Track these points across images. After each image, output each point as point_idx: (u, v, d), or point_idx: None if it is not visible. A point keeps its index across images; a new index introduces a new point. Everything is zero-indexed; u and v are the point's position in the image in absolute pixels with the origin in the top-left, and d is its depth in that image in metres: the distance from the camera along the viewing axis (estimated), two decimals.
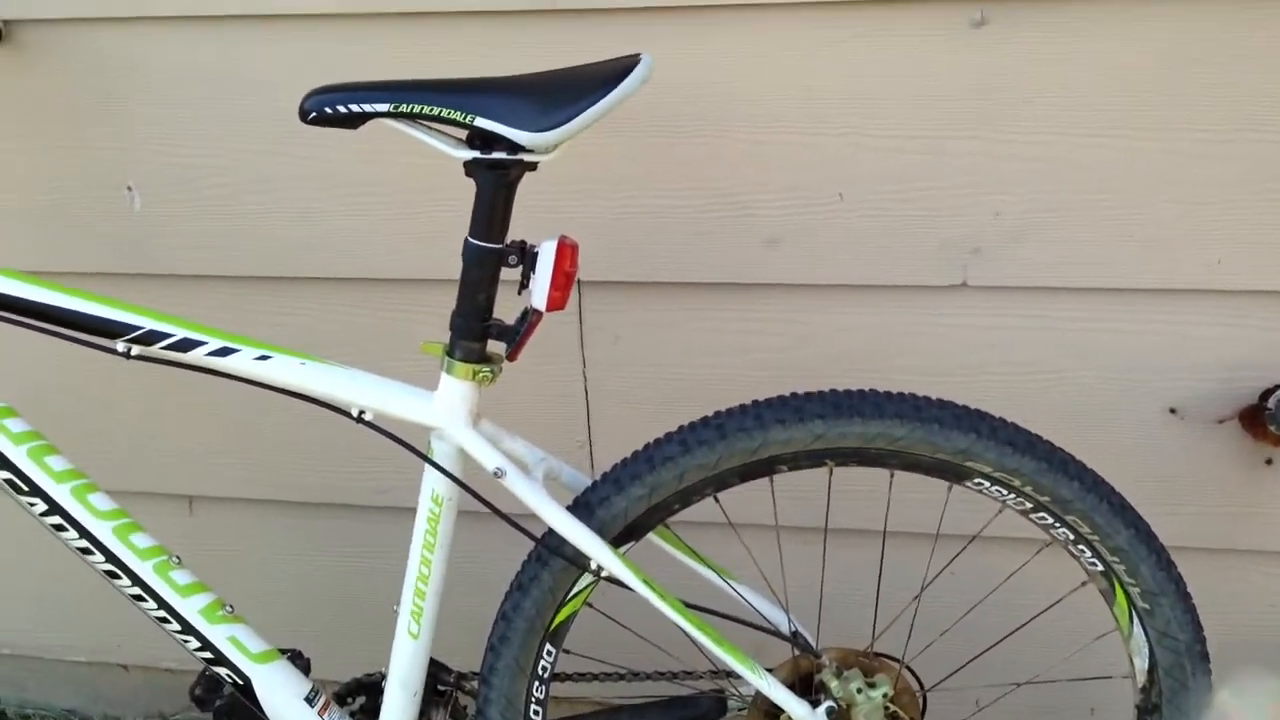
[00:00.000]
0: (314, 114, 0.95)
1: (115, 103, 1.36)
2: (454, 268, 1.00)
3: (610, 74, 0.93)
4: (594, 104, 0.92)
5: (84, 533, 1.05)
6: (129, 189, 1.39)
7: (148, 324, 1.01)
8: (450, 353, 1.02)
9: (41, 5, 1.32)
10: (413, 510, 1.07)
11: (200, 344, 1.01)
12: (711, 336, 1.35)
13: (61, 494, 1.05)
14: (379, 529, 1.54)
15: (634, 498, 1.04)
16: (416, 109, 0.94)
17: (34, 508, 1.05)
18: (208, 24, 1.31)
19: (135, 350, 1.01)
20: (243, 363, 1.02)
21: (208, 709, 1.17)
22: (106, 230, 1.42)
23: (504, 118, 0.92)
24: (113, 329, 1.00)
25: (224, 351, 1.02)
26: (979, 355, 1.30)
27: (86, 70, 1.35)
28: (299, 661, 1.17)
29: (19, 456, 1.04)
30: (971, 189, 1.23)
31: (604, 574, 1.04)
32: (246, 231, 1.39)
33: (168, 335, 1.01)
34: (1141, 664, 1.09)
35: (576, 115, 0.92)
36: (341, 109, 0.95)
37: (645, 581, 1.03)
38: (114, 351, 1.01)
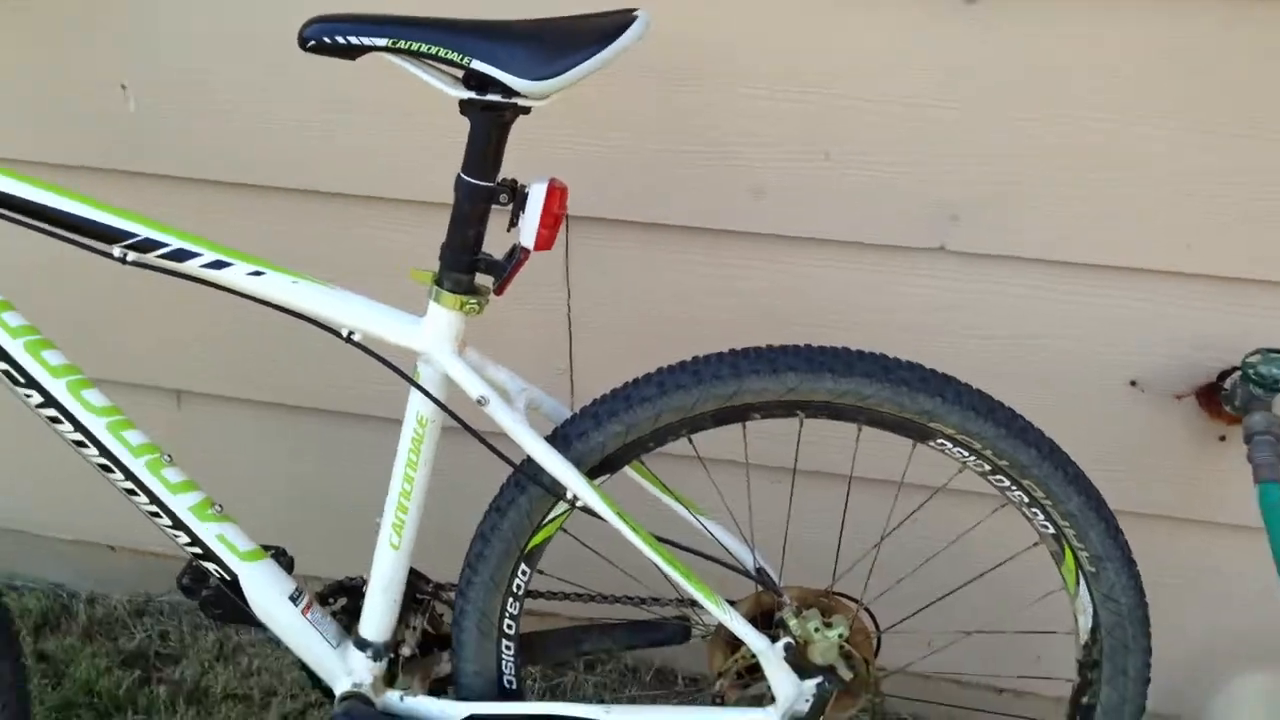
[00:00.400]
0: (313, 41, 0.96)
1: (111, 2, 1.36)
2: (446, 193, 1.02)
3: (608, 28, 0.94)
4: (590, 57, 0.93)
5: (79, 426, 1.09)
6: (123, 87, 1.40)
7: (144, 232, 1.03)
8: (439, 283, 1.05)
9: None
10: (396, 422, 1.11)
11: (195, 255, 1.04)
12: (693, 279, 1.38)
13: (57, 388, 1.08)
14: (362, 436, 1.59)
15: (611, 434, 1.08)
16: (415, 46, 0.94)
17: (30, 399, 1.09)
18: None
19: (131, 256, 1.04)
20: (236, 276, 1.04)
21: (194, 598, 1.22)
22: (100, 127, 1.42)
23: (501, 63, 0.93)
24: (110, 234, 1.03)
25: (218, 264, 1.04)
26: (951, 317, 1.33)
27: None
28: (283, 559, 1.22)
29: (16, 349, 1.07)
30: (955, 158, 1.25)
31: (579, 504, 1.08)
32: (242, 140, 1.40)
33: (163, 245, 1.03)
34: (1085, 623, 1.15)
35: (572, 67, 0.93)
36: (340, 40, 0.95)
37: (618, 514, 1.08)
38: (110, 256, 1.04)
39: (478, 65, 0.94)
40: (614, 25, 0.94)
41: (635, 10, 0.98)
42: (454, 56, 0.94)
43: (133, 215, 1.03)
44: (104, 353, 1.55)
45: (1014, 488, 1.09)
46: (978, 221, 1.27)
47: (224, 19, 1.34)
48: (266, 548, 1.20)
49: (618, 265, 1.39)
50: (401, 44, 0.95)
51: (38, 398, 1.08)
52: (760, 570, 1.20)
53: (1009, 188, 1.25)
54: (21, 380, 1.08)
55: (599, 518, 1.08)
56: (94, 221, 1.02)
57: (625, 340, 1.42)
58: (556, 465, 1.07)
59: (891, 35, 1.21)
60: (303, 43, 0.96)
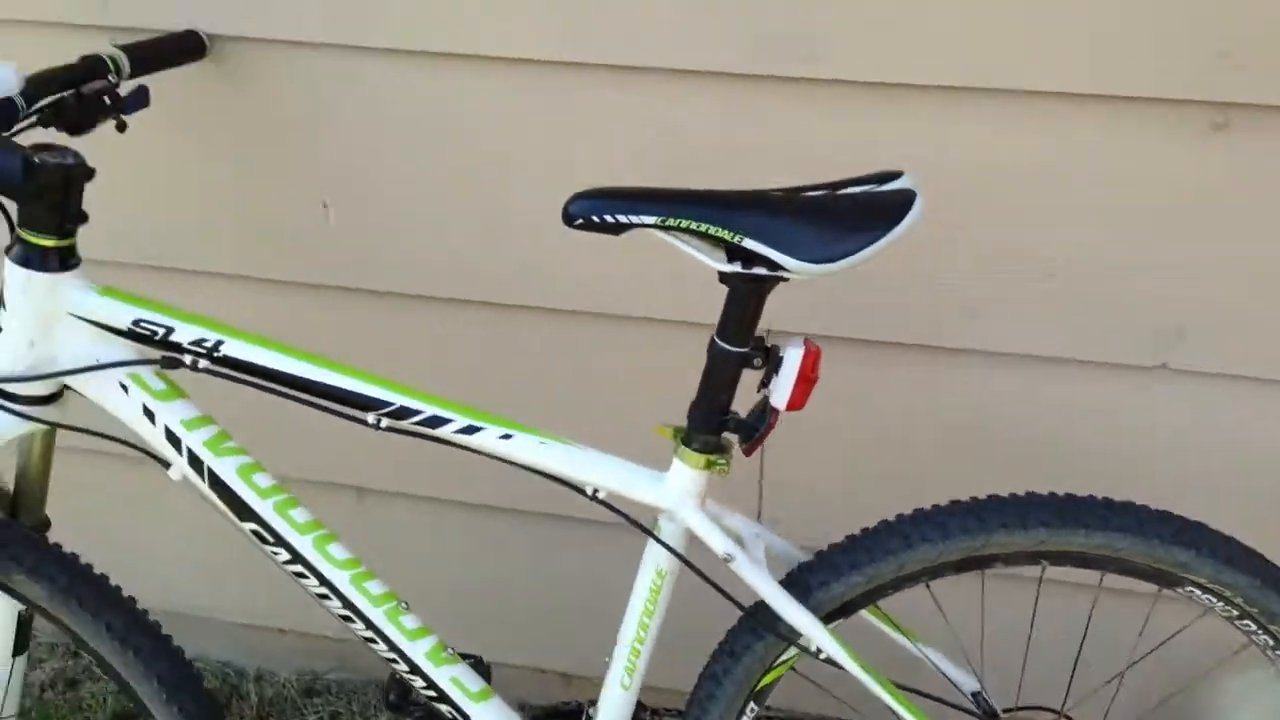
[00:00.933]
0: (580, 220, 0.96)
1: (313, 122, 1.38)
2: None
3: (888, 207, 0.94)
4: (872, 243, 0.93)
5: (323, 580, 1.11)
6: (325, 205, 1.41)
7: (400, 400, 1.04)
8: (687, 442, 1.05)
9: (244, 24, 1.33)
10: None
11: (448, 421, 1.05)
12: (898, 395, 1.38)
13: (304, 545, 1.11)
14: (542, 533, 1.60)
15: (852, 584, 1.09)
16: (685, 224, 0.94)
17: (277, 556, 1.11)
18: (411, 59, 1.32)
19: (385, 423, 1.06)
20: (487, 441, 1.06)
21: (403, 715, 1.25)
22: (302, 242, 1.44)
23: (777, 244, 0.93)
24: (368, 403, 1.04)
25: (470, 429, 1.05)
26: (1172, 436, 1.32)
27: (285, 88, 1.37)
28: (480, 668, 1.24)
29: (266, 510, 1.10)
30: (1187, 276, 1.24)
31: (822, 655, 1.09)
32: (445, 257, 1.42)
33: (418, 412, 1.05)
34: None
35: (854, 253, 0.93)
36: (609, 218, 0.96)
37: (860, 663, 1.08)
38: (364, 423, 1.05)
39: (750, 244, 0.94)
40: (894, 204, 0.94)
41: (900, 176, 0.97)
42: (724, 235, 0.94)
43: (387, 382, 1.05)
44: (290, 451, 1.58)
45: (1260, 632, 1.08)
46: (1204, 340, 1.26)
47: (420, 136, 1.36)
48: (465, 656, 1.22)
49: (824, 379, 1.39)
50: (671, 222, 0.95)
51: (285, 555, 1.11)
52: (978, 695, 1.20)
53: (1240, 306, 1.24)
54: (270, 539, 1.10)
55: (840, 668, 1.09)
56: (352, 392, 1.04)
57: (824, 456, 1.42)
58: (799, 617, 1.07)
59: (1129, 155, 1.21)
60: (569, 220, 0.97)
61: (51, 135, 1.10)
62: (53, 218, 0.98)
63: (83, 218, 0.99)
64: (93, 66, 1.14)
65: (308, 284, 1.47)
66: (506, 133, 1.34)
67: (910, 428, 1.38)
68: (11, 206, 1.00)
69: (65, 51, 1.35)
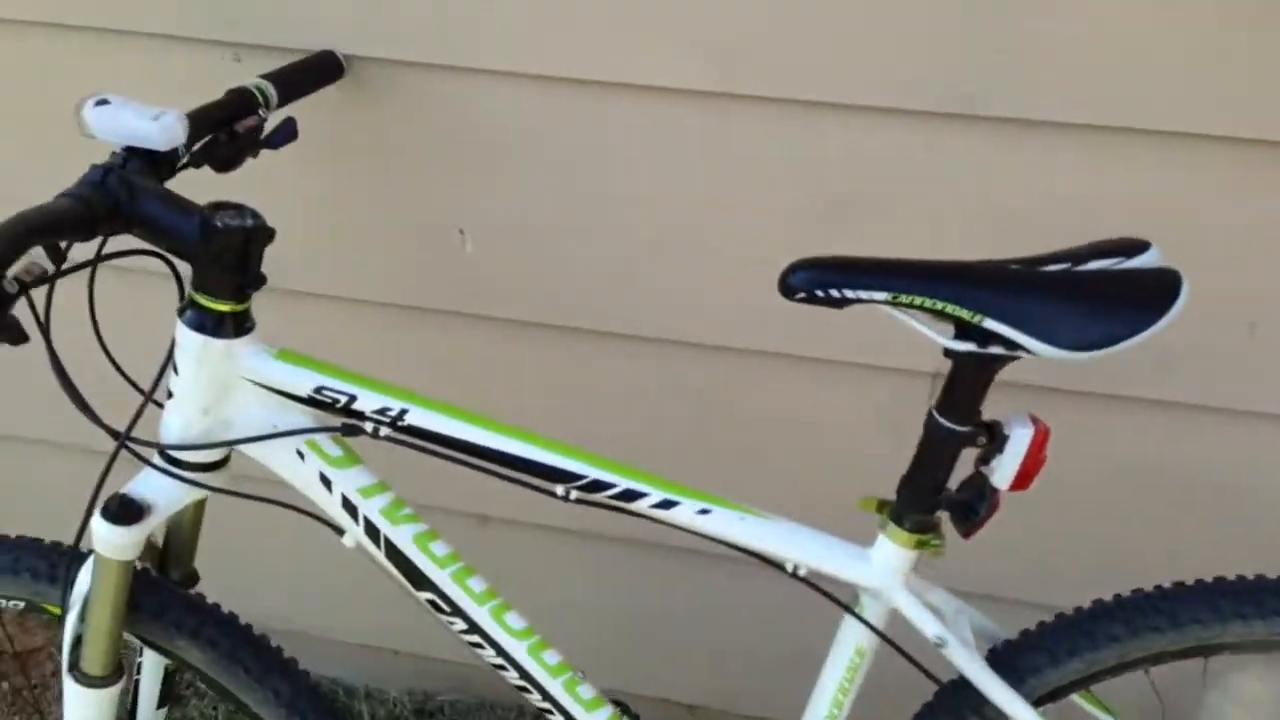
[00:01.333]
0: (802, 294, 0.88)
1: (452, 147, 1.30)
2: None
3: (1150, 287, 0.85)
4: (1134, 333, 0.84)
5: (500, 651, 1.06)
6: (461, 232, 1.34)
7: (594, 473, 0.98)
8: (896, 519, 0.98)
9: (383, 45, 1.25)
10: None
11: (643, 495, 0.98)
12: (1089, 444, 1.30)
13: (481, 616, 1.05)
14: (663, 565, 1.54)
15: (1069, 670, 1.02)
16: (919, 301, 0.86)
17: (453, 626, 1.06)
18: (556, 85, 1.23)
19: (574, 495, 0.99)
20: (684, 515, 0.99)
21: None
22: (439, 269, 1.37)
23: (1023, 325, 0.85)
24: (558, 476, 0.98)
25: (666, 504, 0.99)
26: None
27: (424, 112, 1.28)
28: (629, 715, 1.19)
29: (443, 579, 1.04)
30: None
31: None
32: (591, 286, 1.35)
33: (611, 485, 0.98)
34: None
35: (1114, 342, 0.84)
36: (834, 294, 0.88)
37: None
38: (552, 494, 0.99)
39: (991, 324, 0.86)
40: (1158, 286, 0.85)
41: (1148, 248, 0.89)
42: (964, 314, 0.86)
43: (579, 453, 0.98)
44: (411, 476, 1.53)
45: None
46: None
47: (565, 165, 1.28)
48: (616, 703, 1.16)
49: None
50: (904, 299, 0.87)
51: (461, 624, 1.05)
52: None
53: None
54: (447, 609, 1.05)
55: None
56: (542, 464, 0.97)
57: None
58: (1011, 703, 1.01)
59: None
60: (788, 292, 0.89)
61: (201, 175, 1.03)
62: (230, 281, 0.91)
63: (261, 280, 0.92)
64: (243, 101, 1.07)
65: (442, 310, 1.40)
66: (662, 164, 1.26)
67: (1101, 485, 1.31)
68: (184, 266, 0.93)
69: (188, 67, 1.29)
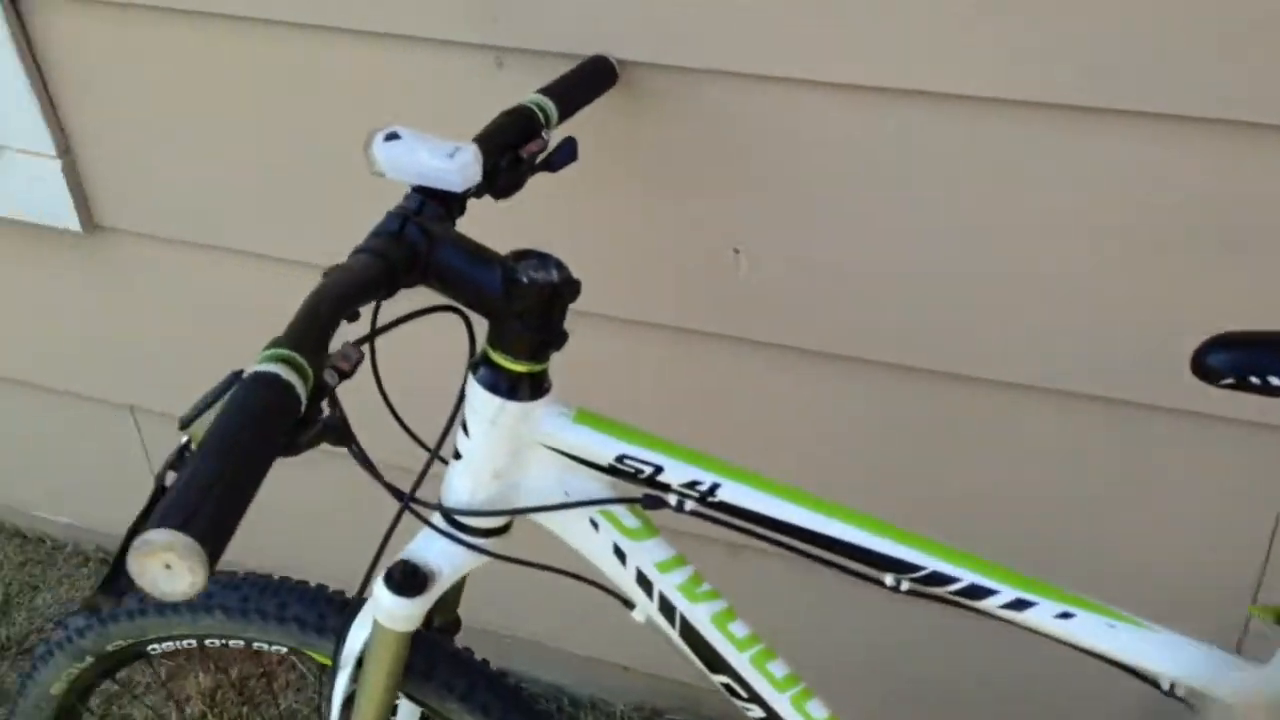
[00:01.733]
0: (1228, 380, 0.71)
1: (731, 161, 1.15)
2: None
3: None
4: None
5: None
6: (736, 251, 1.20)
7: (933, 564, 0.83)
8: None
9: (660, 48, 1.11)
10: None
11: (992, 593, 0.83)
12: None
13: (782, 704, 0.93)
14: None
15: None
16: None
17: (749, 713, 0.94)
18: (864, 95, 1.07)
19: (906, 586, 0.85)
20: (1040, 619, 0.83)
21: None
22: (710, 290, 1.24)
23: None
24: (891, 565, 0.84)
25: (1019, 604, 0.83)
26: None
27: (702, 123, 1.14)
28: None
29: (742, 664, 0.92)
30: None
31: None
32: (879, 316, 1.19)
33: (954, 579, 0.83)
34: None
35: None
36: (1274, 381, 0.70)
37: None
38: (880, 584, 0.85)
39: None
40: None
41: None
42: None
43: (919, 540, 0.84)
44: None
45: None
46: None
47: (852, 181, 1.12)
48: None
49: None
50: None
51: (759, 711, 0.93)
52: None
53: None
54: (744, 694, 0.93)
55: None
56: (874, 551, 0.83)
57: None
58: None
59: None
60: (1208, 376, 0.71)
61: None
62: (530, 340, 0.80)
63: (563, 339, 0.80)
64: (526, 121, 0.95)
65: (714, 334, 1.28)
66: (999, 187, 1.08)
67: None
68: (478, 319, 0.82)
69: (449, 72, 1.19)
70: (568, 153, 0.97)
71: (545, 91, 1.00)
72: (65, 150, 1.43)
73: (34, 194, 1.45)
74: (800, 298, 1.21)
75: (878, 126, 1.08)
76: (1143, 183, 1.03)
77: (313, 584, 1.05)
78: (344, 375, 0.63)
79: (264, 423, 0.54)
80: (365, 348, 0.66)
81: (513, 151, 0.92)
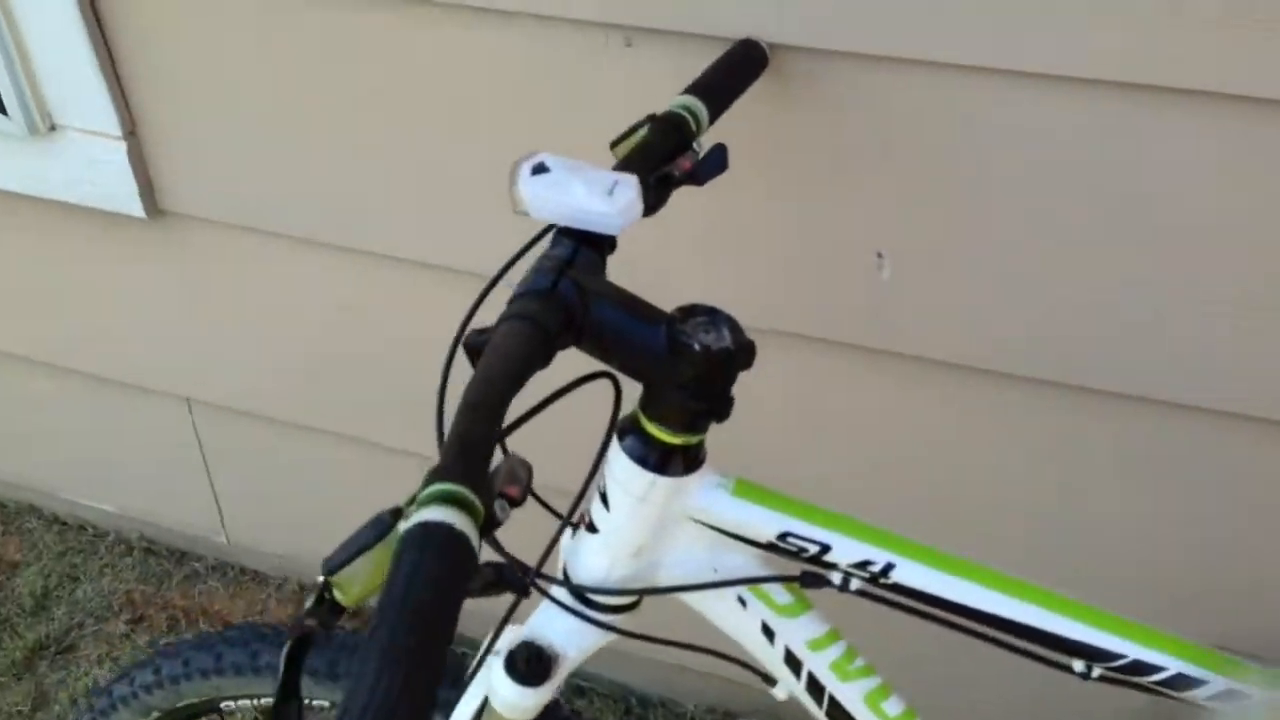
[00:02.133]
0: None
1: (875, 156, 1.03)
2: None
3: None
4: None
5: None
6: (879, 255, 1.08)
7: (1138, 653, 0.74)
8: None
9: (810, 30, 0.97)
10: None
11: (1200, 683, 0.74)
12: None
13: None
14: None
15: None
16: None
17: None
18: (1050, 84, 0.93)
19: (1097, 672, 0.76)
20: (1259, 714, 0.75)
21: None
22: (850, 297, 1.13)
23: None
24: (1084, 652, 0.74)
25: (1230, 695, 0.74)
26: None
27: (858, 115, 1.01)
28: None
29: None
30: None
31: None
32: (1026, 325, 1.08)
33: (1158, 669, 0.74)
34: None
35: None
36: None
37: None
38: (1068, 670, 0.76)
39: None
40: None
41: None
42: None
43: (1122, 625, 0.74)
44: None
45: None
46: None
47: (1014, 182, 1.00)
48: None
49: None
50: None
51: None
52: None
53: None
54: None
55: None
56: (1069, 639, 0.74)
57: None
58: None
59: None
60: None
61: None
62: (692, 410, 0.69)
63: (729, 409, 0.69)
64: (675, 131, 0.82)
65: (852, 345, 1.16)
66: (1144, 180, 0.96)
67: None
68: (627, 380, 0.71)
69: (574, 52, 1.05)
70: (717, 162, 0.84)
71: (694, 89, 0.87)
72: (131, 131, 1.31)
73: (96, 176, 1.34)
74: (945, 306, 1.09)
75: (1069, 120, 0.95)
76: None
77: None
78: (515, 504, 0.52)
79: (445, 592, 0.43)
80: (528, 467, 0.55)
81: (662, 168, 0.80)
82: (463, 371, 0.60)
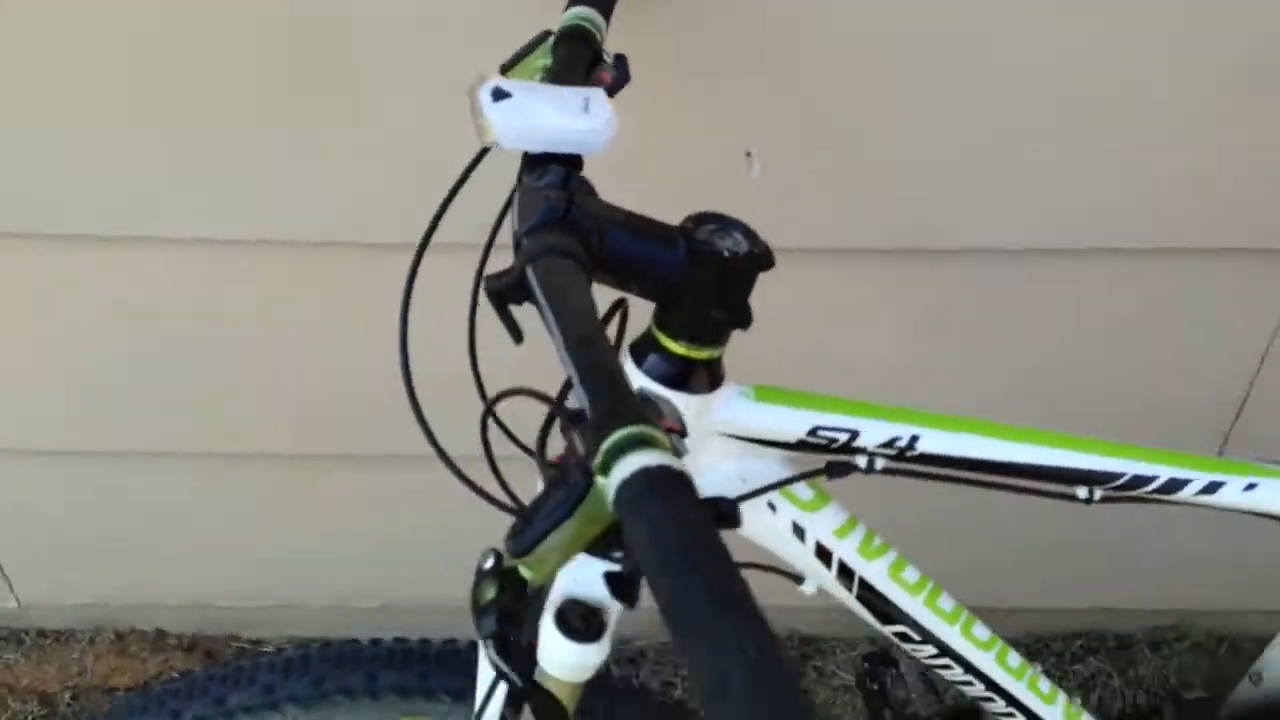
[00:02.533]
0: None
1: (748, 52, 1.01)
2: None
3: None
4: None
5: (969, 667, 0.90)
6: (748, 154, 1.07)
7: (1134, 469, 0.79)
8: None
9: None
10: None
11: (1186, 483, 0.81)
12: None
13: (953, 636, 0.88)
14: None
15: None
16: None
17: (919, 653, 0.89)
18: None
19: (1099, 495, 0.81)
20: (1231, 496, 0.82)
21: None
22: (725, 199, 1.10)
23: None
24: (1085, 479, 0.79)
25: (1212, 487, 0.81)
26: None
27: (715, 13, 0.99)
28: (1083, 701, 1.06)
29: (917, 608, 0.86)
30: None
31: None
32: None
33: (1152, 479, 0.80)
34: None
35: None
36: None
37: None
38: (1071, 498, 0.81)
39: None
40: None
41: None
42: None
43: (1115, 448, 0.79)
44: None
45: None
46: None
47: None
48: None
49: None
50: None
51: (931, 650, 0.88)
52: None
53: None
54: (917, 638, 0.87)
55: None
56: (1070, 469, 0.78)
57: None
58: None
59: None
60: None
61: None
62: (715, 319, 0.66)
63: (749, 316, 0.67)
64: (587, 45, 0.77)
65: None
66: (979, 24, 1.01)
67: None
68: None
69: None
70: (622, 74, 0.80)
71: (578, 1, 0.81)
72: None
73: None
74: (820, 195, 1.11)
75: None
76: None
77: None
78: (683, 435, 0.48)
79: (706, 528, 0.38)
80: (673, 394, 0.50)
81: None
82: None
